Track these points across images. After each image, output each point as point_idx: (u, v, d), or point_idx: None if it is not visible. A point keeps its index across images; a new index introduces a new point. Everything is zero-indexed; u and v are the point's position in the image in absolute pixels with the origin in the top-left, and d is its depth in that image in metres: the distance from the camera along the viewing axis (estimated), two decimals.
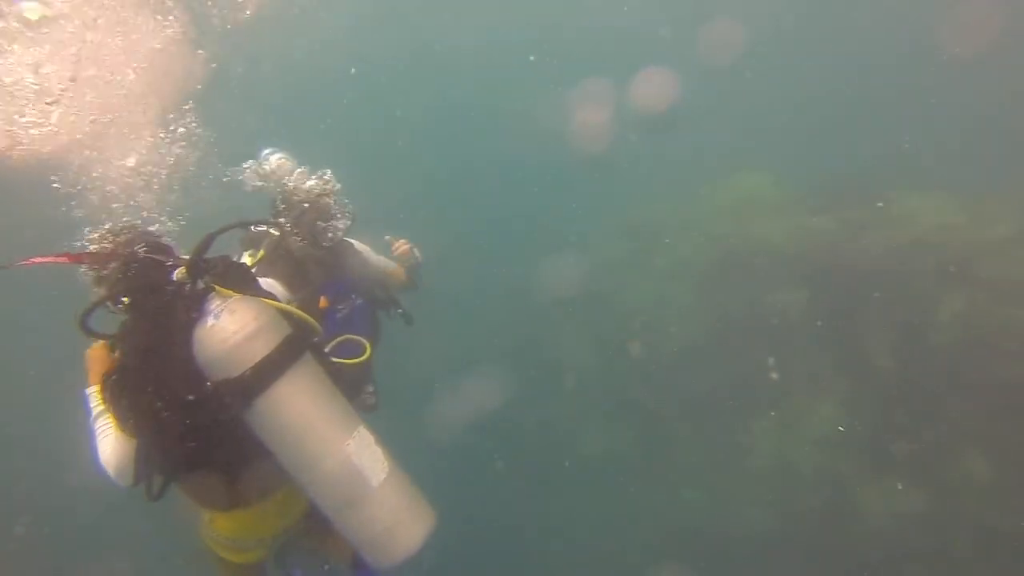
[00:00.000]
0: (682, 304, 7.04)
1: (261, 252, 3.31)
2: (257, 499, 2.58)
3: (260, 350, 2.22)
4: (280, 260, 3.22)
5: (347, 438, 2.29)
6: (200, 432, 2.26)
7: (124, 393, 2.29)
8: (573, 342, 7.20)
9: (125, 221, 2.54)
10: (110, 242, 2.42)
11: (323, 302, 3.19)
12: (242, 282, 2.40)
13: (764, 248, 6.78)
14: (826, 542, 5.77)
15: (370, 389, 3.46)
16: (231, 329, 2.21)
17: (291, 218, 3.19)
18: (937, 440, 5.85)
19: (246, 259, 3.30)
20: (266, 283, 2.80)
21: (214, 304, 2.27)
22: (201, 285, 2.30)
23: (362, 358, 2.86)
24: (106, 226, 2.49)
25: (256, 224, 2.98)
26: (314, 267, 3.23)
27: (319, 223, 3.18)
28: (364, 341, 2.93)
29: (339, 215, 3.22)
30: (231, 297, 2.29)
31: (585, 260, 7.47)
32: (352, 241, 3.47)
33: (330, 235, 3.19)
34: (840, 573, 5.65)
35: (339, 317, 3.25)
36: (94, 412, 2.48)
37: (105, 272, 2.36)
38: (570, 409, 6.75)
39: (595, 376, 7.03)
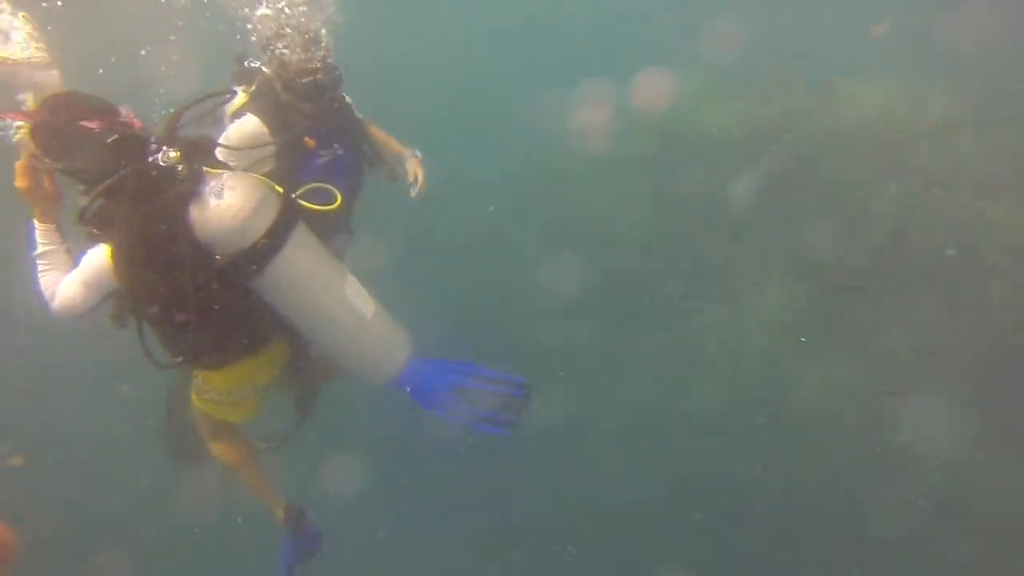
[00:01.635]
0: (631, 195, 7.00)
1: (252, 87, 3.30)
2: (249, 354, 2.83)
3: (266, 220, 2.47)
4: (266, 99, 3.22)
5: (343, 284, 2.72)
6: (203, 302, 2.42)
7: (132, 281, 2.36)
8: (524, 237, 7.07)
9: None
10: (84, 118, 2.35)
11: (310, 142, 3.23)
12: (212, 158, 2.56)
13: (711, 137, 6.77)
14: (769, 417, 6.21)
15: (344, 238, 3.57)
16: (237, 205, 2.39)
17: (277, 52, 3.13)
18: (870, 319, 6.30)
19: (239, 94, 3.29)
20: (251, 121, 3.11)
21: (211, 183, 2.40)
22: (194, 166, 2.40)
23: (333, 206, 3.00)
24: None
25: (223, 95, 2.89)
26: (297, 115, 3.22)
27: (305, 66, 3.13)
28: (335, 191, 3.03)
29: (327, 60, 3.19)
30: (222, 174, 2.45)
31: (533, 151, 7.24)
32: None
33: (315, 79, 3.15)
34: (781, 442, 6.12)
35: (319, 164, 3.30)
36: (41, 248, 2.55)
37: (84, 153, 2.32)
38: (527, 304, 6.73)
39: (549, 270, 6.99)
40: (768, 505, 5.91)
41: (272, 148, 3.14)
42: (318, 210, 2.92)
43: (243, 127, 3.12)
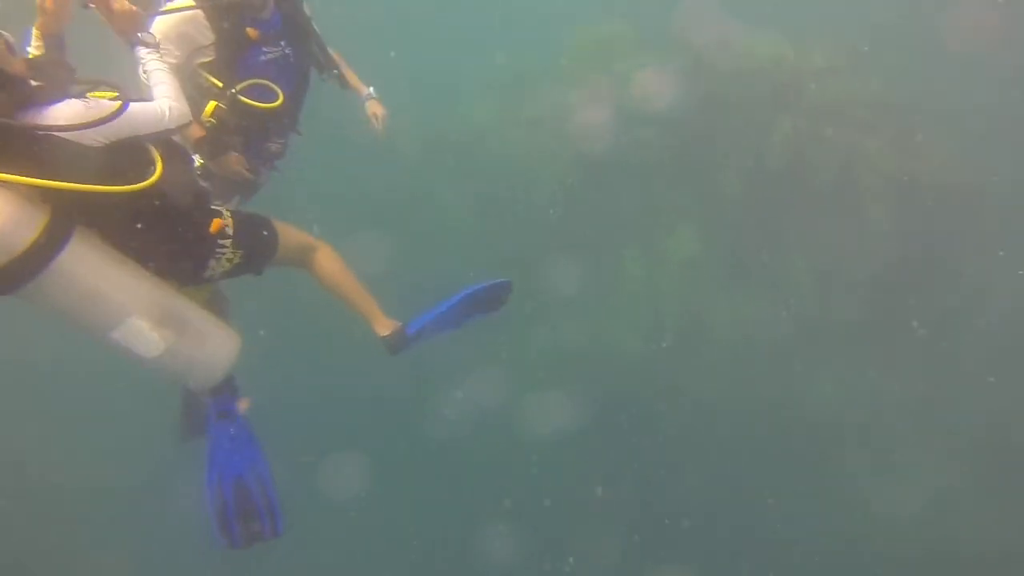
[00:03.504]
0: (551, 150, 7.23)
1: None
2: None
3: (20, 243, 2.07)
4: None
5: (114, 328, 2.32)
6: None
7: None
8: (449, 197, 7.17)
9: None
10: None
11: (252, 33, 3.00)
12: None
13: (623, 88, 7.09)
14: (686, 353, 6.63)
15: (280, 141, 3.37)
16: None
17: None
18: (774, 251, 6.85)
19: None
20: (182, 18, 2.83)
21: None
22: None
23: (274, 104, 2.90)
24: None
25: None
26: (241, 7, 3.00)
27: None
28: (277, 89, 2.95)
29: None
30: None
31: (454, 112, 7.32)
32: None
33: None
34: (695, 376, 6.52)
35: (263, 60, 3.07)
36: None
37: None
38: (454, 262, 6.84)
39: (473, 229, 7.13)
40: (679, 429, 6.37)
41: (206, 35, 2.91)
42: (259, 107, 2.87)
43: (167, 18, 2.82)
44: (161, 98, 2.47)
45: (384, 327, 3.13)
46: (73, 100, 2.16)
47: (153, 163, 2.31)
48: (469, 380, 6.11)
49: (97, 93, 2.32)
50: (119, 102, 2.21)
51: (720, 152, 6.82)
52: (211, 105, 2.88)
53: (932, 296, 6.71)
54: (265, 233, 2.82)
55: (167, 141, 2.47)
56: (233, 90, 2.81)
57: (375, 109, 3.74)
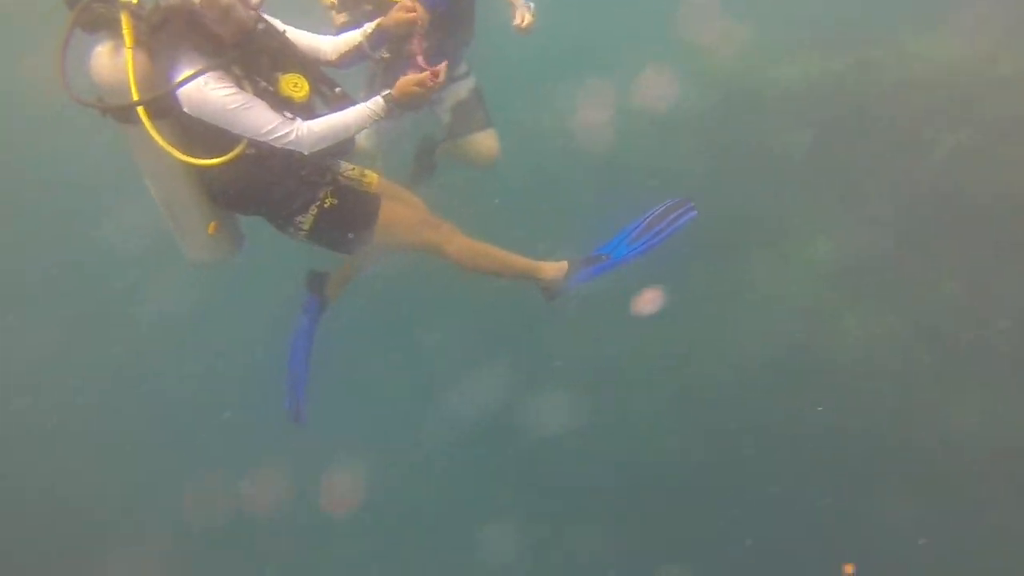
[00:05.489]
0: (685, 146, 7.17)
1: None
2: None
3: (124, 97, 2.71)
4: None
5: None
6: None
7: None
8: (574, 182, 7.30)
9: None
10: None
11: None
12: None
13: (772, 90, 6.86)
14: (807, 366, 6.31)
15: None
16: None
17: None
18: (918, 270, 6.35)
19: None
20: None
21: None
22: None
23: None
24: None
25: None
26: None
27: None
28: None
29: None
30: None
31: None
32: None
33: None
34: (818, 390, 6.21)
35: None
36: None
37: None
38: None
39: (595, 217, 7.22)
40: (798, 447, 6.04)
41: None
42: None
43: None
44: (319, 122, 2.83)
45: (554, 270, 3.22)
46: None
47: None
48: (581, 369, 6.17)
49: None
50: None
51: (872, 160, 6.41)
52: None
53: None
54: (350, 235, 3.10)
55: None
56: None
57: (524, 14, 3.77)
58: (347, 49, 3.11)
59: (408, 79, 2.79)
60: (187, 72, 2.61)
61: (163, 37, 2.65)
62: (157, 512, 5.06)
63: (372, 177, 3.19)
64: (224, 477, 4.45)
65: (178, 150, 2.70)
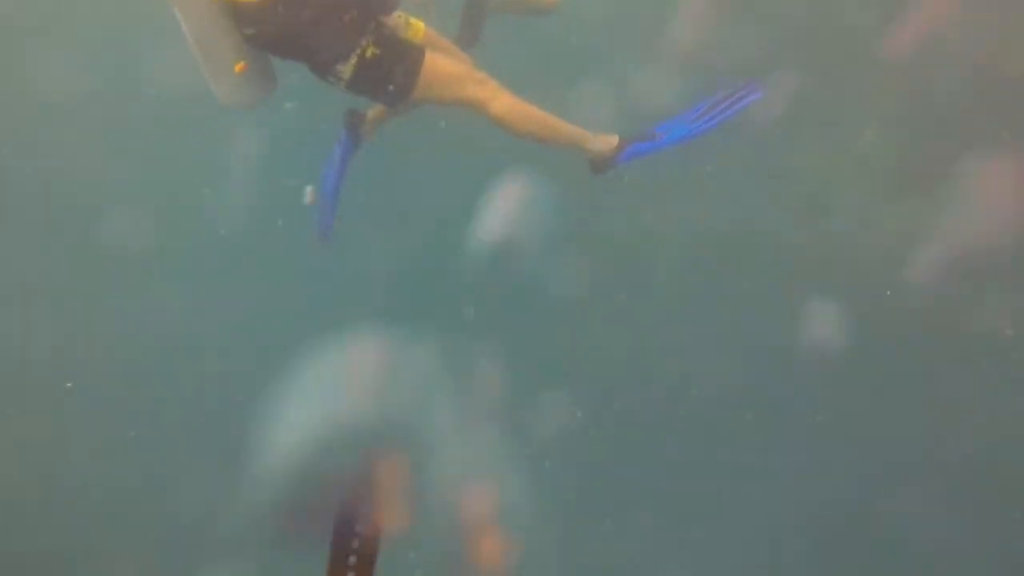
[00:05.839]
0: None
1: None
2: None
3: None
4: None
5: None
6: None
7: None
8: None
9: None
10: None
11: None
12: None
13: None
14: (842, 257, 5.91)
15: None
16: None
17: None
18: (964, 167, 6.02)
19: None
20: None
21: None
22: None
23: None
24: None
25: None
26: None
27: None
28: None
29: None
30: None
31: None
32: None
33: None
34: (853, 284, 5.82)
35: None
36: None
37: None
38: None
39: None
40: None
41: None
42: None
43: None
44: None
45: (605, 143, 3.03)
46: None
47: None
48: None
49: None
50: None
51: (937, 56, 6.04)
52: None
53: None
54: (391, 88, 2.90)
55: None
56: None
57: None
58: None
59: None
60: None
61: None
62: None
63: (418, 26, 3.02)
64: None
65: None
